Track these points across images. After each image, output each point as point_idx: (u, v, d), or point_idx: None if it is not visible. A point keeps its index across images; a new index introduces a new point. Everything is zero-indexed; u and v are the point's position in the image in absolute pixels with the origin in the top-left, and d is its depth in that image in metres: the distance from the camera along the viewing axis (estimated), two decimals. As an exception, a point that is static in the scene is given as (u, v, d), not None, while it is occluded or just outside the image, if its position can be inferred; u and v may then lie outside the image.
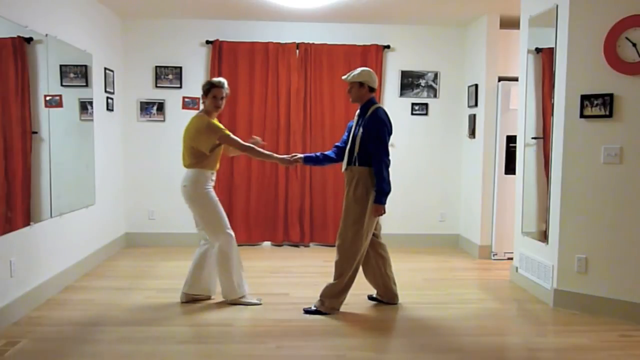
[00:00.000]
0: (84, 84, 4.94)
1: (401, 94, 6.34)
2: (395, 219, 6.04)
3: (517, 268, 4.86)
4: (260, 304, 4.11)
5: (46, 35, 4.15)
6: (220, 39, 6.09)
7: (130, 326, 3.66)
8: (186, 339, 3.52)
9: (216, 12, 5.82)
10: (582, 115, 3.99)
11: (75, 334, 3.51)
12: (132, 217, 6.21)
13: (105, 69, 5.51)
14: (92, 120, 5.14)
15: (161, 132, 6.17)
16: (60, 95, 4.39)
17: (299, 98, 6.16)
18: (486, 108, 5.76)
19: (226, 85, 4.05)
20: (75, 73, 4.78)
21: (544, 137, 4.54)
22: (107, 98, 5.58)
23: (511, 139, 5.51)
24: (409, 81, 6.33)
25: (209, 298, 4.19)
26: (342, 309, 3.98)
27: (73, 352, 3.23)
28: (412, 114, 6.35)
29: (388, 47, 6.25)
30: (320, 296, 3.97)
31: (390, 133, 3.92)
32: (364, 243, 3.92)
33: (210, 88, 3.99)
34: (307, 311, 3.95)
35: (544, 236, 4.39)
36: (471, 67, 6.15)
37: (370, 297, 4.28)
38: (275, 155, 4.31)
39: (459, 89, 6.35)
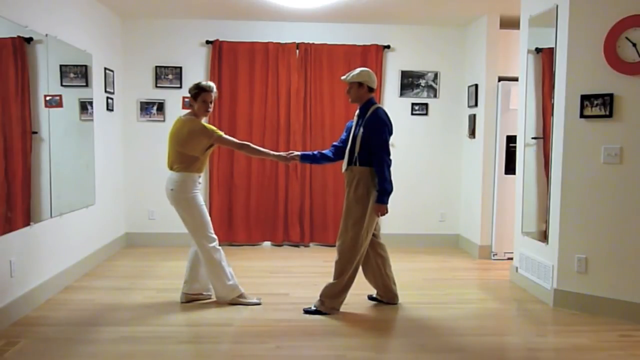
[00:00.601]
0: (84, 84, 4.94)
1: (401, 94, 6.34)
2: (395, 219, 6.04)
3: (517, 268, 4.86)
4: (260, 304, 4.11)
5: (46, 35, 4.15)
6: (220, 39, 6.09)
7: (130, 326, 3.66)
8: (186, 339, 3.52)
9: (216, 12, 5.82)
10: (582, 115, 3.99)
11: (75, 334, 3.51)
12: (132, 217, 6.21)
13: (105, 69, 5.51)
14: (92, 120, 5.14)
15: (161, 132, 6.14)
16: (60, 95, 4.39)
17: (299, 98, 6.16)
18: (486, 108, 5.76)
19: (215, 89, 3.97)
20: (75, 73, 4.78)
21: (544, 137, 4.54)
22: (107, 98, 5.58)
23: (511, 139, 5.51)
24: (409, 81, 6.33)
25: (209, 297, 4.18)
26: (342, 309, 3.98)
27: (73, 352, 3.23)
28: (412, 114, 6.35)
29: (388, 47, 6.25)
30: (320, 296, 3.97)
31: (390, 133, 3.92)
32: (364, 243, 3.92)
33: (199, 92, 3.90)
34: (307, 311, 3.95)
35: (544, 236, 4.39)
36: (471, 67, 6.15)
37: (370, 297, 4.28)
38: (272, 152, 4.31)
39: (459, 89, 6.35)
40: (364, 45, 6.18)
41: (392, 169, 3.88)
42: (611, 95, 3.86)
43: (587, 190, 4.01)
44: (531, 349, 3.43)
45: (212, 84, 3.98)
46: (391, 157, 3.89)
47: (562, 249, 4.12)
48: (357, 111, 4.01)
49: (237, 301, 4.08)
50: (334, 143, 4.20)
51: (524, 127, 4.80)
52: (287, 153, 4.24)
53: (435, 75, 6.33)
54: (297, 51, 6.13)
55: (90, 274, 4.93)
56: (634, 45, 3.77)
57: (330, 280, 3.97)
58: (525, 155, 4.80)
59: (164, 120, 6.16)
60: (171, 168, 3.96)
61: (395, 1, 5.30)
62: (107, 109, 5.59)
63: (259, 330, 3.62)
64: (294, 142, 6.16)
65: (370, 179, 3.85)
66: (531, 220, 4.70)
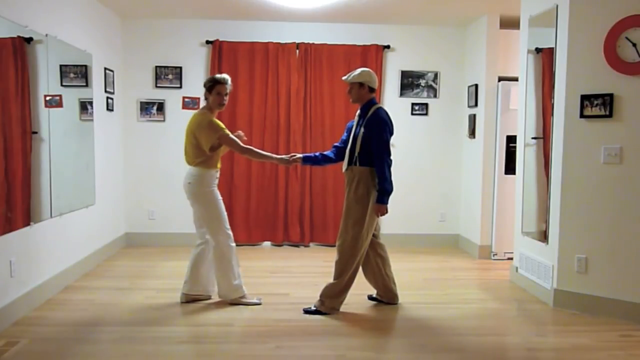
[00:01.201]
0: (84, 84, 4.94)
1: (401, 94, 6.34)
2: (395, 219, 6.04)
3: (517, 268, 4.86)
4: (260, 304, 4.11)
5: (46, 35, 4.15)
6: (220, 39, 6.09)
7: (130, 326, 3.66)
8: (186, 339, 3.52)
9: (216, 12, 5.82)
10: (582, 115, 3.99)
11: (75, 334, 3.51)
12: (132, 217, 6.21)
13: (105, 69, 5.51)
14: (92, 120, 5.14)
15: (161, 132, 6.17)
16: (60, 95, 4.39)
17: (299, 98, 6.16)
18: (486, 108, 5.76)
19: (229, 81, 4.01)
20: (75, 73, 4.78)
21: (544, 137, 4.54)
22: (107, 98, 5.58)
23: (511, 139, 5.51)
24: (409, 81, 6.33)
25: (208, 298, 4.18)
26: (342, 309, 3.98)
27: (73, 352, 3.23)
28: (412, 114, 6.35)
29: (388, 47, 6.25)
30: (320, 296, 3.97)
31: (391, 133, 3.92)
32: (364, 243, 3.92)
33: (214, 85, 3.94)
34: (307, 311, 3.95)
35: (544, 236, 4.39)
36: (471, 67, 6.15)
37: (370, 297, 4.28)
38: (274, 155, 4.31)
39: (459, 89, 6.35)
40: (364, 45, 6.18)
41: (392, 169, 3.88)
42: (611, 95, 3.86)
43: (587, 190, 4.01)
44: (531, 349, 3.43)
45: (227, 76, 4.00)
46: (391, 157, 3.89)
47: (562, 249, 4.12)
48: (358, 111, 4.01)
49: (238, 301, 4.08)
50: (335, 144, 4.20)
51: (524, 127, 4.80)
52: (289, 156, 4.23)
53: (435, 75, 6.33)
54: (297, 51, 6.13)
55: (90, 274, 4.93)
56: (634, 45, 3.77)
57: (331, 280, 3.97)
58: (525, 155, 4.80)
59: (164, 120, 6.16)
60: (189, 162, 3.99)
61: (395, 1, 5.30)
62: (107, 109, 5.59)
63: (259, 330, 3.62)
64: (294, 142, 6.16)
65: (370, 179, 3.85)
66: (531, 220, 4.70)
